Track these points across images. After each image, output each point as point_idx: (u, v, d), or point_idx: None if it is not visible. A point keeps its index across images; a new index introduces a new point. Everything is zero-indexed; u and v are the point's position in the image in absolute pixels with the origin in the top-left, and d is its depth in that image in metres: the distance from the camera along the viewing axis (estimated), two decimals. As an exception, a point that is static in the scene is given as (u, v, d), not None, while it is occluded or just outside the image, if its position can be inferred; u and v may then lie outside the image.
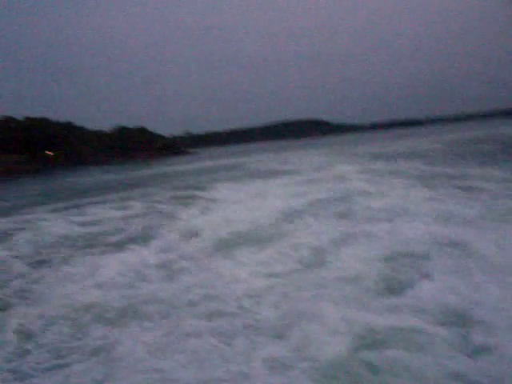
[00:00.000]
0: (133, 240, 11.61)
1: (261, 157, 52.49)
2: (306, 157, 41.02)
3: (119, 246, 11.02)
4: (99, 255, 10.32)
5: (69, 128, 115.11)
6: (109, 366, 5.23)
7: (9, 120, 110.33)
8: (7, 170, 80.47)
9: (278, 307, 6.26)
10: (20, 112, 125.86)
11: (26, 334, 6.35)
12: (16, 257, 10.99)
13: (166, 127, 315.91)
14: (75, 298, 7.55)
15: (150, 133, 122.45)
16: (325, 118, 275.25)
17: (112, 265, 9.23)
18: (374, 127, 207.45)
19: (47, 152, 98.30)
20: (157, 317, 6.46)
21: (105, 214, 17.07)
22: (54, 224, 15.31)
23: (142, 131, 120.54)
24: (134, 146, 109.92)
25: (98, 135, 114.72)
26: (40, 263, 10.24)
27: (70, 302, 7.33)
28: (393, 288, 6.40)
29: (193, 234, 11.41)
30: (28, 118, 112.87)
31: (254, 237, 10.34)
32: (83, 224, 14.90)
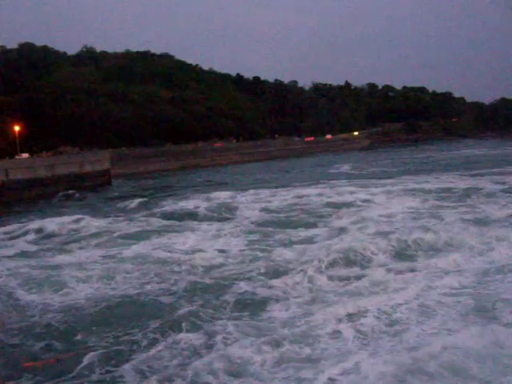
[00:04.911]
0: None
1: None
2: None
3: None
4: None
5: (447, 98, 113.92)
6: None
7: (388, 89, 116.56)
8: (389, 138, 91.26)
9: None
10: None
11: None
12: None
13: None
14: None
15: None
16: None
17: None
18: None
19: (421, 123, 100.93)
20: None
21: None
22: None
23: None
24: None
25: (476, 107, 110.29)
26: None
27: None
28: None
29: None
30: (405, 87, 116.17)
31: None
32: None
